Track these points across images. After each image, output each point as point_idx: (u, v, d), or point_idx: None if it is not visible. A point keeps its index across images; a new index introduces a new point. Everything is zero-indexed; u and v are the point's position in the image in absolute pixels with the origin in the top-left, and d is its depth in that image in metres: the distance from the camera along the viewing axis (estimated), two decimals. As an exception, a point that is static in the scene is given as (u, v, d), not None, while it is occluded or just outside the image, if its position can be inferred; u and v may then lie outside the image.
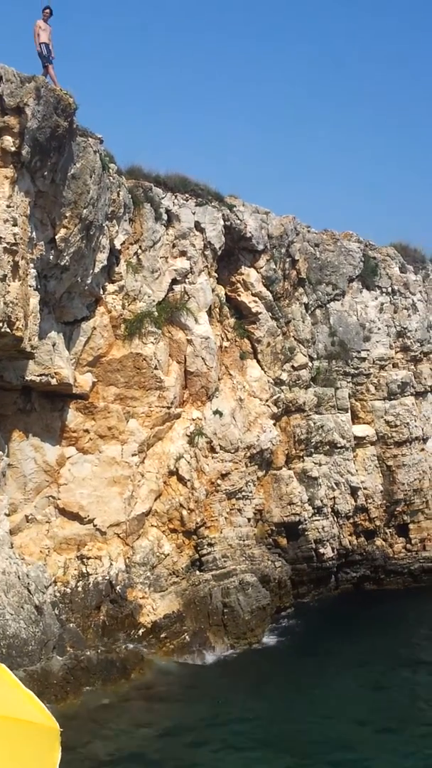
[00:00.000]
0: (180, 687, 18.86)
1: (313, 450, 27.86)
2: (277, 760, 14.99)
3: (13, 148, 16.86)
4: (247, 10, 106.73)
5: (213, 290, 25.27)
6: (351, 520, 28.77)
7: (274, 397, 26.65)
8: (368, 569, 29.11)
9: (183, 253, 24.12)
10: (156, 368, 22.43)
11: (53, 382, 19.67)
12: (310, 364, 28.19)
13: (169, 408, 22.86)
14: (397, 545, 29.63)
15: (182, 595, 22.00)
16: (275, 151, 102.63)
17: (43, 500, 20.32)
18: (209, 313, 24.94)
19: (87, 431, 21.24)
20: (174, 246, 24.01)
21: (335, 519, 28.22)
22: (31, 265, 17.91)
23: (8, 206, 16.83)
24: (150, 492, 22.16)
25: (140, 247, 22.87)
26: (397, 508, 29.48)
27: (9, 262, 16.79)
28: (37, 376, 19.33)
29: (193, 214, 24.56)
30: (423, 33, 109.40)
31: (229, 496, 24.47)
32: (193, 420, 23.87)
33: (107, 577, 20.40)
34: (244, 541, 24.42)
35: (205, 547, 23.23)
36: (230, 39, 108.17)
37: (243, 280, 26.53)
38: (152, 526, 22.23)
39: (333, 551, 27.86)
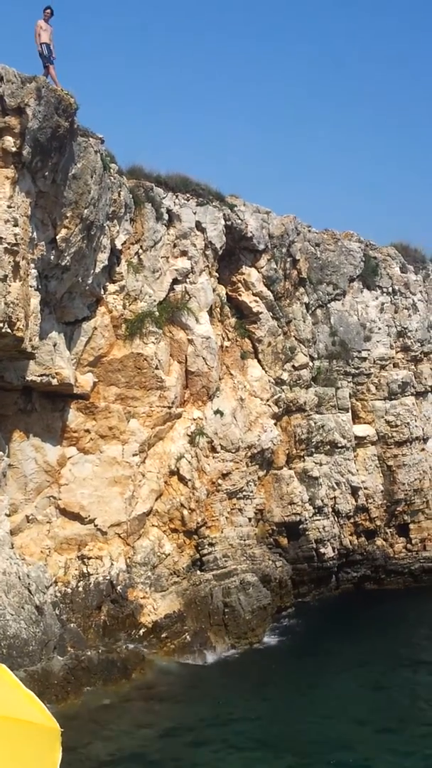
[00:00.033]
0: (181, 687, 18.87)
1: (313, 450, 27.87)
2: (278, 761, 15.00)
3: (14, 149, 16.86)
4: (247, 10, 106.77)
5: (214, 290, 25.28)
6: (351, 520, 28.78)
7: (275, 397, 26.66)
8: (369, 569, 29.12)
9: (184, 253, 24.12)
10: (157, 368, 22.44)
11: (54, 382, 19.68)
12: (310, 363, 28.20)
13: (170, 408, 22.87)
14: (398, 545, 29.64)
15: (183, 594, 22.01)
16: (276, 150, 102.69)
17: (44, 500, 20.33)
18: (210, 312, 24.95)
19: (88, 431, 21.24)
20: (175, 246, 24.01)
21: (336, 519, 28.23)
22: (32, 265, 17.91)
23: (9, 206, 16.83)
24: (151, 492, 22.16)
25: (141, 247, 22.87)
26: (398, 508, 29.48)
27: (10, 262, 16.80)
28: (38, 376, 19.34)
29: (194, 213, 24.56)
30: (423, 33, 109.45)
31: (230, 495, 24.48)
32: (194, 420, 23.87)
33: (108, 577, 20.40)
34: (244, 540, 24.43)
35: (206, 546, 23.24)
36: (231, 39, 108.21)
37: (244, 279, 26.54)
38: (153, 525, 22.24)
39: (333, 551, 27.87)
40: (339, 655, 21.49)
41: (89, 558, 20.49)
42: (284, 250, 27.58)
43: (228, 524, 24.16)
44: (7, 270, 16.72)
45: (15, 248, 16.84)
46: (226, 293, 26.41)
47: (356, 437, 29.01)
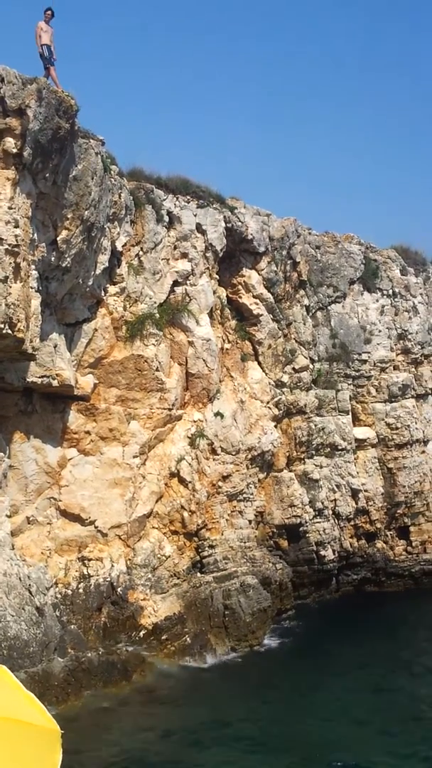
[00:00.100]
0: (181, 689, 18.84)
1: (314, 452, 27.86)
2: (278, 762, 14.98)
3: (14, 150, 16.86)
4: (247, 10, 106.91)
5: (214, 292, 25.29)
6: (352, 523, 28.77)
7: (275, 399, 26.66)
8: (369, 571, 29.11)
9: (184, 255, 24.13)
10: (157, 370, 22.44)
11: (54, 383, 19.67)
12: (311, 366, 28.20)
13: (170, 410, 22.87)
14: (398, 547, 29.62)
15: (183, 596, 21.99)
16: (276, 152, 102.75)
17: (45, 502, 20.32)
18: (210, 315, 24.95)
19: (88, 433, 21.24)
20: (175, 248, 24.02)
21: (336, 521, 28.22)
22: (33, 266, 17.91)
23: (10, 208, 16.83)
24: (151, 494, 22.16)
25: (141, 248, 22.88)
26: (398, 511, 29.46)
27: (10, 263, 16.80)
28: (39, 377, 19.33)
29: (195, 216, 24.57)
30: (424, 35, 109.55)
31: (230, 497, 24.47)
32: (195, 422, 23.87)
33: (108, 579, 20.39)
34: (245, 543, 24.41)
35: (206, 548, 23.22)
36: (231, 40, 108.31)
37: (244, 282, 26.54)
38: (153, 527, 22.23)
39: (334, 553, 27.86)
40: (339, 658, 21.47)
41: (90, 559, 20.48)
42: (284, 252, 27.59)
43: (228, 526, 24.15)
44: (7, 271, 16.72)
45: (16, 249, 16.83)
46: (227, 295, 26.42)
47: (356, 440, 29.01)
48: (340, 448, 28.36)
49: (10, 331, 16.80)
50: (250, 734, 16.25)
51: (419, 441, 29.97)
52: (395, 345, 30.52)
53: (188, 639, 21.04)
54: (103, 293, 21.67)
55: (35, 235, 17.98)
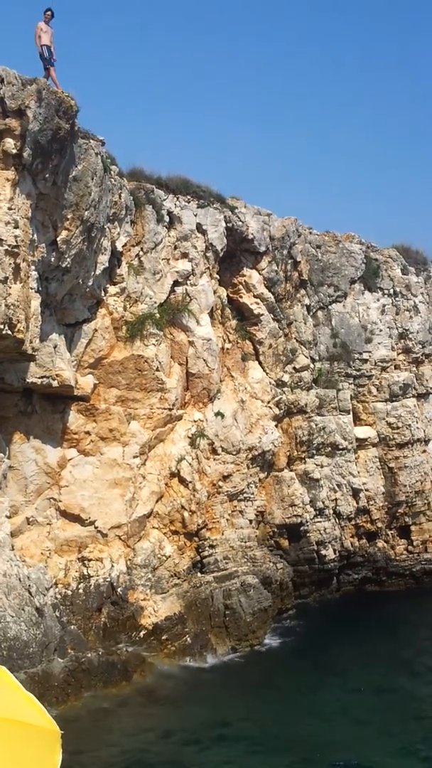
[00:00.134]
0: (181, 689, 18.84)
1: (314, 451, 27.86)
2: (279, 763, 14.99)
3: (14, 151, 16.85)
4: (247, 10, 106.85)
5: (215, 292, 25.28)
6: (353, 522, 28.77)
7: (276, 399, 26.65)
8: (370, 571, 29.10)
9: (184, 255, 24.11)
10: (157, 370, 22.43)
11: (54, 384, 19.67)
12: (311, 365, 28.19)
13: (170, 410, 22.86)
14: (399, 547, 29.61)
15: (183, 596, 21.99)
16: (277, 152, 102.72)
17: (44, 502, 20.32)
18: (211, 314, 24.94)
19: (88, 433, 21.24)
20: (175, 248, 24.01)
21: (337, 521, 28.22)
22: (33, 267, 17.90)
23: (9, 208, 16.82)
24: (151, 494, 22.15)
25: (142, 248, 22.87)
26: (399, 510, 29.46)
27: (10, 264, 16.79)
28: (38, 378, 19.33)
29: (195, 215, 24.55)
30: (424, 35, 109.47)
31: (231, 497, 24.47)
32: (195, 422, 23.87)
33: (108, 579, 20.39)
34: (245, 542, 24.41)
35: (207, 548, 23.22)
36: (231, 40, 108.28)
37: (245, 281, 26.53)
38: (153, 527, 22.23)
39: (334, 553, 27.85)
40: (340, 657, 21.47)
41: (89, 560, 20.49)
42: (285, 252, 27.58)
43: (229, 526, 24.15)
44: (7, 272, 16.72)
45: (15, 250, 16.83)
46: (227, 295, 26.41)
47: (357, 439, 29.00)
48: (340, 447, 28.35)
49: (9, 332, 16.80)
50: (251, 734, 16.26)
51: (420, 440, 29.96)
52: (396, 344, 30.51)
53: (189, 639, 21.04)
54: (103, 293, 21.67)
55: (35, 235, 17.98)
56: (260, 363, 26.87)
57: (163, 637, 20.60)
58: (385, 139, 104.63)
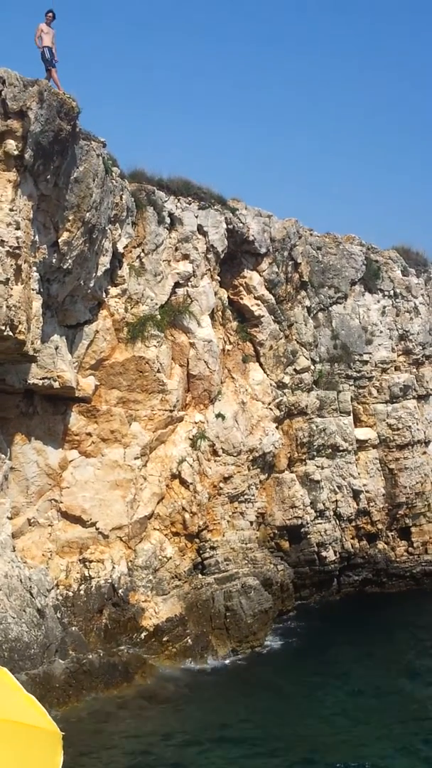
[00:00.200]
0: (182, 691, 18.84)
1: (315, 453, 27.85)
2: (281, 764, 15.01)
3: (16, 152, 16.86)
4: (248, 12, 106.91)
5: (215, 293, 25.28)
6: (353, 524, 28.76)
7: (277, 401, 26.65)
8: (370, 572, 29.09)
9: (186, 257, 24.12)
10: (158, 371, 22.43)
11: (56, 385, 19.67)
12: (312, 367, 28.19)
13: (171, 411, 22.86)
14: (399, 548, 29.60)
15: (184, 598, 21.99)
16: (277, 153, 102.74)
17: (46, 503, 20.31)
18: (212, 316, 24.95)
19: (89, 434, 21.24)
20: (177, 249, 24.02)
21: (337, 522, 28.21)
22: (34, 268, 17.91)
23: (11, 210, 16.83)
24: (152, 495, 22.15)
25: (143, 250, 22.87)
26: (399, 512, 29.45)
27: (12, 265, 16.79)
28: (40, 379, 19.33)
29: (196, 217, 24.56)
30: (424, 35, 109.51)
31: (232, 499, 24.46)
32: (196, 423, 23.87)
33: (109, 581, 20.39)
34: (246, 544, 24.40)
35: (208, 550, 23.22)
36: (232, 41, 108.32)
37: (245, 283, 26.53)
38: (155, 529, 22.22)
39: (335, 554, 27.85)
40: (340, 659, 21.49)
41: (91, 561, 20.48)
42: (286, 253, 27.59)
43: (229, 528, 24.15)
44: (9, 273, 16.71)
45: (17, 251, 16.83)
46: (228, 297, 26.41)
47: (358, 440, 28.99)
48: (341, 449, 28.35)
49: (11, 333, 16.80)
50: (252, 736, 16.26)
51: (420, 442, 29.95)
52: (396, 346, 30.51)
53: (189, 640, 21.05)
54: (104, 295, 21.67)
55: (36, 237, 17.99)
56: (261, 365, 26.87)
57: (164, 639, 20.61)
58: (386, 140, 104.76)
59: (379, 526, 29.19)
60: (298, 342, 27.84)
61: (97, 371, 21.51)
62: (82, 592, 20.00)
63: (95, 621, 19.93)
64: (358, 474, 28.83)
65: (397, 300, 30.98)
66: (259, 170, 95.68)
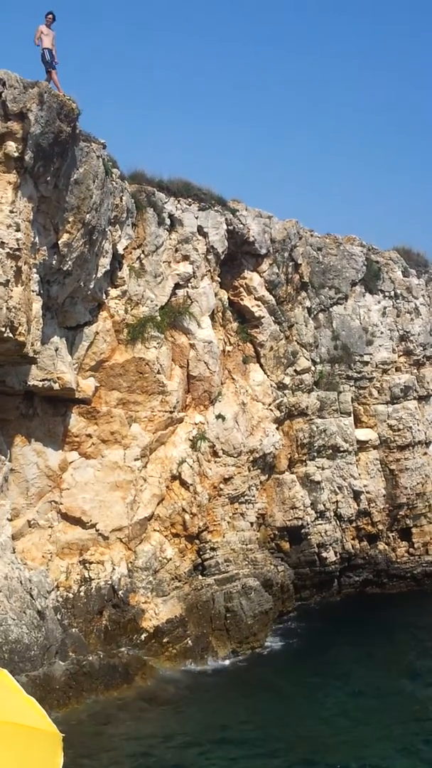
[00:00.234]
0: (182, 692, 18.85)
1: (315, 454, 27.84)
2: (281, 765, 15.01)
3: (16, 154, 16.87)
4: (249, 12, 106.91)
5: (216, 294, 25.28)
6: (354, 524, 28.75)
7: (277, 401, 26.65)
8: (371, 573, 29.08)
9: (186, 258, 24.12)
10: (159, 373, 22.44)
11: (56, 386, 19.68)
12: (312, 368, 28.18)
13: (171, 412, 22.86)
14: (400, 549, 29.59)
15: (185, 599, 21.99)
16: (278, 154, 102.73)
17: (46, 505, 20.32)
18: (212, 317, 24.95)
19: (89, 436, 21.25)
20: (177, 250, 24.02)
21: (338, 523, 28.20)
22: (34, 270, 17.92)
23: (11, 211, 16.84)
24: (152, 496, 22.16)
25: (143, 251, 22.88)
26: (400, 512, 29.44)
27: (12, 267, 16.80)
28: (40, 380, 19.34)
29: (196, 218, 24.57)
30: (424, 35, 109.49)
31: (232, 500, 24.46)
32: (196, 424, 23.86)
33: (110, 582, 20.39)
34: (246, 545, 24.40)
35: (208, 551, 23.22)
36: (233, 42, 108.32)
37: (246, 284, 26.54)
38: (155, 530, 22.22)
39: (336, 555, 27.84)
40: (341, 660, 21.49)
41: (91, 563, 20.48)
42: (286, 254, 27.59)
43: (230, 529, 24.15)
44: (9, 275, 16.72)
45: (17, 253, 16.84)
46: (228, 298, 26.41)
47: (358, 441, 28.98)
48: (341, 449, 28.34)
49: (11, 335, 16.81)
50: (252, 737, 16.26)
51: (421, 443, 29.94)
52: (397, 347, 30.50)
53: (190, 642, 21.05)
54: (104, 296, 21.68)
55: (36, 238, 18.00)
56: (261, 365, 26.87)
57: (164, 640, 20.60)
58: (386, 140, 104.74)
59: (380, 526, 29.18)
60: (298, 343, 27.84)
61: (97, 372, 21.52)
62: (82, 593, 20.00)
63: (95, 622, 19.93)
64: (359, 475, 28.82)
65: (398, 301, 30.98)
66: (259, 170, 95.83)
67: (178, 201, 24.37)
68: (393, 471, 29.36)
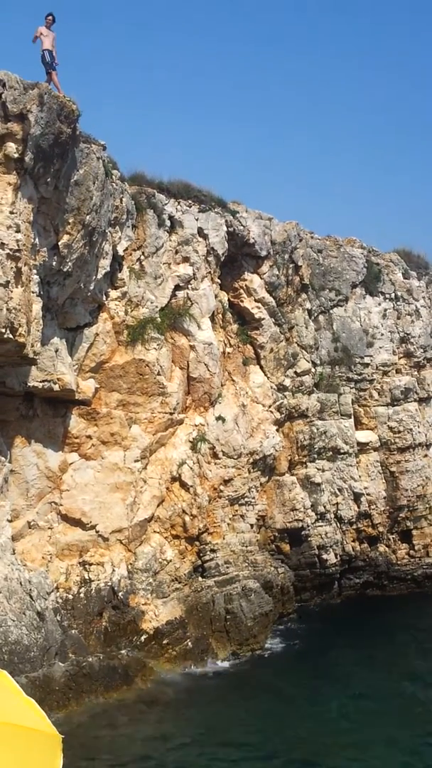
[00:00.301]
0: (182, 694, 18.82)
1: (316, 456, 27.83)
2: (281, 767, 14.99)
3: (16, 155, 16.87)
4: (249, 12, 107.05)
5: (216, 296, 25.28)
6: (354, 526, 28.73)
7: (277, 403, 26.64)
8: (371, 575, 29.07)
9: (186, 259, 24.13)
10: (159, 374, 22.43)
11: (56, 388, 19.67)
12: (313, 369, 28.18)
13: (171, 414, 22.85)
14: (400, 551, 29.58)
15: (184, 601, 21.96)
16: (278, 156, 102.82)
17: (46, 506, 20.31)
18: (212, 319, 24.94)
19: (89, 437, 21.23)
20: (177, 252, 24.02)
21: (338, 525, 28.19)
22: (34, 271, 17.91)
23: (11, 213, 16.84)
24: (152, 498, 22.14)
25: (143, 253, 22.88)
26: (400, 514, 29.43)
27: (12, 268, 16.79)
28: (40, 382, 19.33)
29: (196, 220, 24.57)
30: (424, 36, 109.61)
31: (232, 502, 24.43)
32: (196, 426, 23.85)
33: (109, 584, 20.36)
34: (246, 547, 24.37)
35: (208, 553, 23.20)
36: (233, 43, 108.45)
37: (246, 286, 26.54)
38: (155, 532, 22.21)
39: (336, 557, 27.83)
40: (341, 662, 21.45)
41: (91, 564, 20.46)
42: (286, 256, 27.59)
43: (230, 530, 24.12)
44: (9, 276, 16.71)
45: (17, 254, 16.83)
46: (228, 299, 26.42)
47: (359, 443, 28.98)
48: (342, 451, 28.33)
49: (11, 336, 16.80)
50: (252, 739, 16.23)
51: (422, 445, 29.94)
52: (397, 348, 30.50)
53: (189, 644, 21.03)
54: (104, 298, 21.67)
55: (36, 239, 17.99)
56: (261, 367, 26.86)
57: (164, 642, 20.58)
58: (386, 141, 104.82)
59: (380, 528, 29.16)
60: (298, 345, 27.84)
61: (97, 374, 21.51)
62: (82, 594, 19.98)
63: (95, 624, 19.90)
64: (359, 477, 28.81)
65: (398, 303, 30.98)
66: (259, 171, 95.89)
67: (178, 203, 24.38)
68: (393, 473, 29.36)
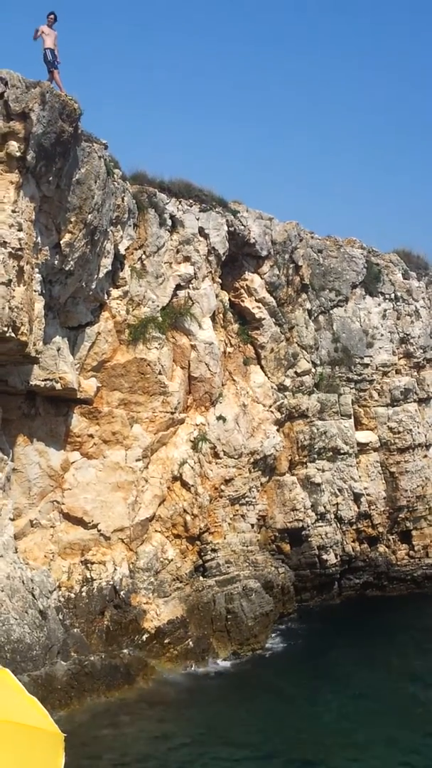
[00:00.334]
0: (183, 693, 18.83)
1: (316, 456, 27.85)
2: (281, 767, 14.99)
3: (18, 154, 16.86)
4: (249, 12, 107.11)
5: (217, 296, 25.29)
6: (354, 527, 28.74)
7: (278, 403, 26.64)
8: (371, 576, 29.08)
9: (187, 259, 24.13)
10: (160, 373, 22.43)
11: (58, 387, 19.67)
12: (313, 370, 28.19)
13: (173, 413, 22.85)
14: (400, 552, 29.60)
15: (186, 600, 21.97)
16: (279, 156, 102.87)
17: (48, 505, 20.31)
18: (213, 318, 24.96)
19: (91, 436, 21.24)
20: (178, 251, 24.03)
21: (338, 525, 28.20)
22: (36, 270, 17.92)
23: (13, 211, 16.83)
24: (154, 497, 22.14)
25: (144, 252, 22.89)
26: (400, 515, 29.44)
27: (14, 267, 16.78)
28: (42, 380, 19.33)
29: (197, 219, 24.58)
30: (424, 36, 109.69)
31: (233, 501, 24.44)
32: (197, 425, 23.86)
33: (111, 583, 20.37)
34: (247, 546, 24.38)
35: (209, 552, 23.20)
36: (234, 43, 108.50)
37: (247, 285, 26.55)
38: (156, 531, 22.21)
39: (336, 557, 27.84)
40: (341, 662, 21.46)
41: (93, 563, 20.46)
42: (287, 256, 27.61)
43: (231, 530, 24.13)
44: (11, 275, 16.71)
45: (19, 253, 16.83)
46: (229, 299, 26.43)
47: (359, 444, 28.99)
48: (342, 452, 28.34)
49: (13, 335, 16.79)
50: (253, 739, 16.23)
51: (421, 445, 29.95)
52: (397, 349, 30.52)
53: (191, 643, 21.04)
54: (106, 297, 21.67)
55: (38, 238, 18.00)
56: (262, 367, 26.87)
57: (166, 641, 20.59)
58: (386, 141, 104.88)
59: (380, 529, 29.18)
60: (299, 345, 27.85)
61: (99, 373, 21.51)
62: (83, 593, 19.99)
63: (97, 623, 19.91)
64: (359, 477, 28.82)
65: (398, 303, 31.00)
66: (259, 171, 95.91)
67: (180, 202, 24.39)
68: (393, 473, 29.37)
